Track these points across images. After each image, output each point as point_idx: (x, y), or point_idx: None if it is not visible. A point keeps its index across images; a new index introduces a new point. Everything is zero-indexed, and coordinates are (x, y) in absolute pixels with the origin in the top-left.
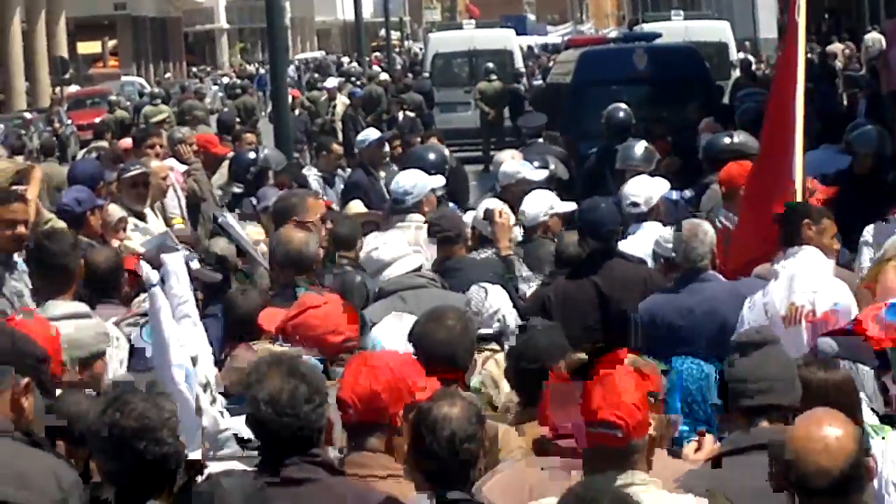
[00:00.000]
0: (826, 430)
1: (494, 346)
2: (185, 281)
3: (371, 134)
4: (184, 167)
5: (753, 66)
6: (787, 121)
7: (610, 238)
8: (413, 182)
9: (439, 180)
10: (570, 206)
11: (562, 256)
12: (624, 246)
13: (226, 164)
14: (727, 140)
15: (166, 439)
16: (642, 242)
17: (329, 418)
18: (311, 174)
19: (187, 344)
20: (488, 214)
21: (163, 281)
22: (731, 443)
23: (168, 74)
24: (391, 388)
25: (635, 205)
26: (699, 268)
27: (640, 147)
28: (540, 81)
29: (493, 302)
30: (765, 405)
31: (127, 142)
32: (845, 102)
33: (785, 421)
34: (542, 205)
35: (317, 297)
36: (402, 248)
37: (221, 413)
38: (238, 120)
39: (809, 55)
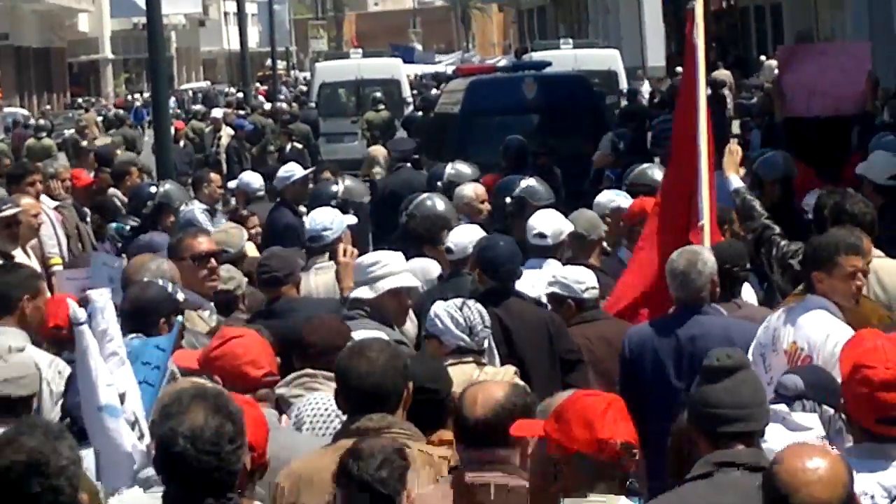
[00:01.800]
0: (817, 462)
1: (474, 357)
2: (113, 317)
3: (295, 169)
4: (55, 203)
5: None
6: (690, 152)
7: (509, 278)
8: (331, 218)
9: (352, 218)
10: None
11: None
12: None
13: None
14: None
15: (63, 487)
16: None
17: (245, 464)
18: (196, 207)
19: (115, 382)
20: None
21: (90, 318)
22: (706, 463)
23: (48, 105)
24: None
25: (542, 236)
26: (700, 299)
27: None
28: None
29: (478, 315)
30: (741, 432)
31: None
32: (737, 131)
33: (755, 444)
34: (472, 236)
35: (237, 328)
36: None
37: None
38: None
39: None
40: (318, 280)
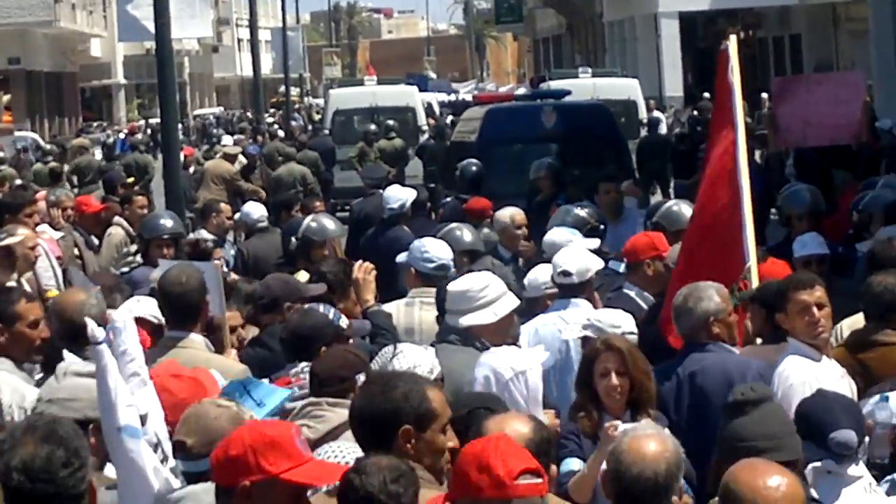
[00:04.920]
0: (774, 480)
1: None
2: (134, 337)
3: (405, 195)
4: (58, 234)
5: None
6: (731, 193)
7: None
8: (449, 252)
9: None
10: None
11: None
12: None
13: (115, 228)
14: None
15: None
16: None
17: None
18: (201, 237)
19: (136, 403)
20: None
21: (111, 337)
22: None
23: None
24: None
25: (566, 274)
26: (696, 335)
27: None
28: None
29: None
30: (779, 462)
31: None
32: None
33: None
34: (547, 276)
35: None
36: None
37: (175, 472)
38: (131, 179)
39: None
40: (424, 315)
